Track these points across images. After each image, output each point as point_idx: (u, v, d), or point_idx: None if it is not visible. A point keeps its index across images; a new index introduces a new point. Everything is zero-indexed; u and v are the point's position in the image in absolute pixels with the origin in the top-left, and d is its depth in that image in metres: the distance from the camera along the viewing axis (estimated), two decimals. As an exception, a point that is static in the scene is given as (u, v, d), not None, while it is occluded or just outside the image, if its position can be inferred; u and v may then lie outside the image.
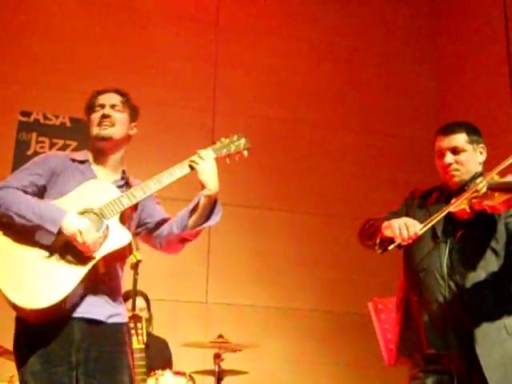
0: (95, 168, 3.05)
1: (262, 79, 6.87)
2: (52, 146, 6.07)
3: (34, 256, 2.76)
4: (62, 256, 2.75)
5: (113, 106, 3.10)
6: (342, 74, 7.14)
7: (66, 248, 2.76)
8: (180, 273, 6.04)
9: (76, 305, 2.78)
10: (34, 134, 6.08)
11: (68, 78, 6.21)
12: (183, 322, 5.97)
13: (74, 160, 3.05)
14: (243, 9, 7.05)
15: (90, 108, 3.12)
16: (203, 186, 2.99)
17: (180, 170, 3.01)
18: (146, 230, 3.14)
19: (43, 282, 2.71)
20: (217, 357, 4.72)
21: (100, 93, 3.17)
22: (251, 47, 6.93)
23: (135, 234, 3.15)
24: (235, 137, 3.17)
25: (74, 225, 2.75)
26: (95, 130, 3.06)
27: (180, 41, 6.72)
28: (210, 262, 6.25)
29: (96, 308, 2.83)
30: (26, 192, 2.88)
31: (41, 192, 2.94)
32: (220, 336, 4.73)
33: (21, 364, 2.78)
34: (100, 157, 3.08)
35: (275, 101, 6.83)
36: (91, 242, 2.75)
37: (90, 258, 2.76)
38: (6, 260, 2.75)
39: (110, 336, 2.85)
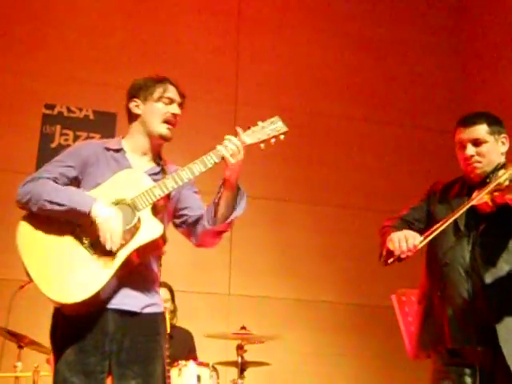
0: (130, 156, 3.00)
1: (284, 70, 6.86)
2: (76, 138, 6.11)
3: (68, 249, 2.77)
4: (95, 249, 2.76)
5: (180, 105, 3.05)
6: (364, 65, 7.09)
7: (99, 240, 2.76)
8: (203, 265, 6.07)
9: (111, 296, 2.79)
10: (58, 127, 6.13)
11: (91, 70, 6.24)
12: (206, 314, 6.00)
13: (108, 149, 3.00)
14: (264, 0, 7.04)
15: (156, 94, 3.02)
16: (226, 177, 2.91)
17: (212, 159, 2.89)
18: (185, 226, 3.08)
19: (77, 275, 2.73)
20: (239, 348, 4.74)
21: (168, 81, 3.08)
22: (273, 38, 6.92)
23: (176, 226, 3.11)
24: (270, 120, 3.00)
25: (100, 212, 2.74)
26: (160, 128, 2.99)
27: (202, 32, 6.72)
28: (232, 254, 6.27)
29: (131, 299, 2.83)
30: (56, 183, 2.88)
31: (73, 183, 2.92)
32: (243, 327, 4.74)
33: (56, 354, 2.81)
34: (144, 149, 3.02)
35: (297, 92, 6.81)
36: (115, 231, 2.73)
37: (123, 251, 2.76)
38: (40, 253, 2.77)
39: (145, 326, 2.86)
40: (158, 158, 3.07)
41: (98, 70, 6.24)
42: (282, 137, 2.97)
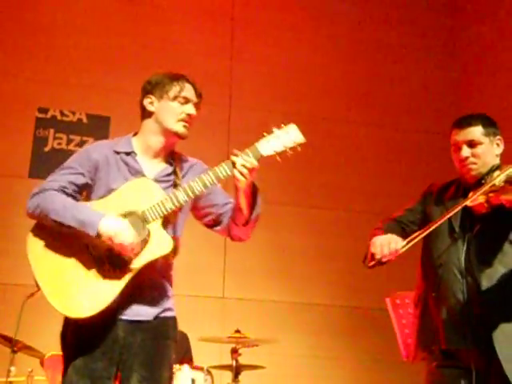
0: (141, 159, 2.92)
1: (278, 73, 6.86)
2: (69, 142, 6.10)
3: (77, 261, 2.75)
4: (105, 263, 2.73)
5: (196, 105, 2.97)
6: (360, 68, 7.09)
7: (110, 254, 2.73)
8: (197, 268, 6.06)
9: (122, 307, 2.75)
10: (52, 131, 6.12)
11: (85, 74, 6.23)
12: (200, 317, 5.98)
13: (118, 152, 2.93)
14: (259, 3, 7.04)
15: (172, 92, 2.93)
16: (238, 187, 2.79)
17: (225, 171, 2.78)
18: (219, 226, 3.02)
19: (86, 289, 2.71)
20: (234, 351, 4.74)
21: (185, 80, 3.00)
22: (267, 41, 6.92)
23: (208, 227, 3.04)
24: (286, 130, 2.85)
25: (110, 227, 2.68)
26: (176, 126, 2.90)
27: (195, 35, 6.71)
28: (226, 256, 6.26)
29: (143, 309, 2.80)
30: (65, 192, 2.82)
31: (82, 189, 2.88)
32: (237, 331, 4.74)
33: (65, 358, 2.79)
34: (156, 148, 2.94)
35: (292, 95, 6.81)
36: (128, 243, 2.68)
37: (132, 265, 2.71)
38: (50, 265, 2.75)
39: (155, 331, 2.83)
40: (170, 157, 2.98)
41: (91, 73, 6.24)
42: (298, 148, 2.84)
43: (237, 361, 4.72)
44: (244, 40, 6.87)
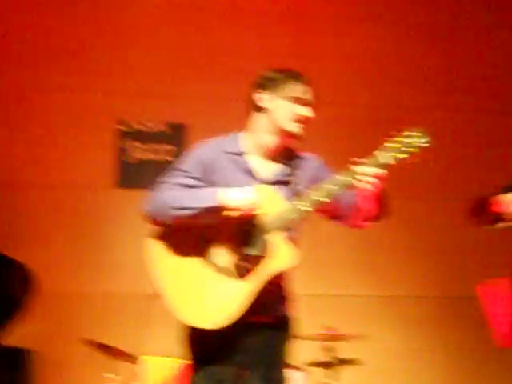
0: (252, 158, 2.85)
1: (352, 65, 6.76)
2: (150, 152, 6.21)
3: (204, 273, 2.73)
4: (232, 273, 2.70)
5: (312, 106, 2.84)
6: (434, 52, 6.91)
7: (236, 264, 2.72)
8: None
9: (245, 312, 2.72)
10: (132, 142, 6.24)
11: (160, 84, 6.34)
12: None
13: (228, 152, 2.84)
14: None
15: (289, 91, 2.79)
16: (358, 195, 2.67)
17: (347, 181, 2.61)
18: (337, 220, 2.96)
19: (217, 301, 2.69)
20: (327, 348, 4.74)
21: (302, 79, 2.84)
22: (330, 34, 6.81)
23: (324, 218, 2.99)
24: (407, 133, 2.60)
25: (236, 193, 2.65)
26: (291, 126, 2.79)
27: (260, 38, 6.62)
28: (314, 252, 6.22)
29: (262, 311, 2.77)
30: None
31: None
32: (329, 327, 4.73)
33: (193, 365, 2.82)
34: (268, 148, 2.85)
35: (358, 85, 6.68)
36: (248, 206, 2.64)
37: (259, 277, 2.67)
38: (171, 274, 2.75)
39: (274, 331, 2.83)
40: (285, 156, 2.88)
41: (166, 83, 6.34)
42: (420, 152, 2.59)
43: (330, 357, 4.73)
44: (309, 36, 6.76)
